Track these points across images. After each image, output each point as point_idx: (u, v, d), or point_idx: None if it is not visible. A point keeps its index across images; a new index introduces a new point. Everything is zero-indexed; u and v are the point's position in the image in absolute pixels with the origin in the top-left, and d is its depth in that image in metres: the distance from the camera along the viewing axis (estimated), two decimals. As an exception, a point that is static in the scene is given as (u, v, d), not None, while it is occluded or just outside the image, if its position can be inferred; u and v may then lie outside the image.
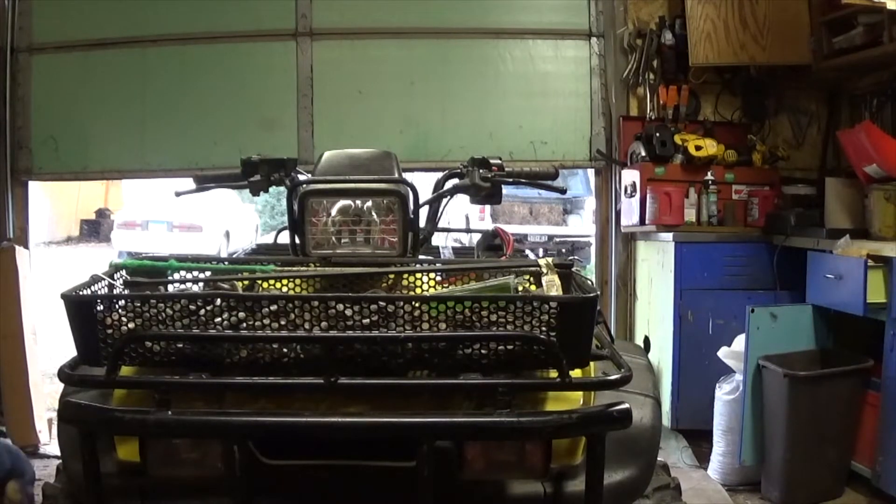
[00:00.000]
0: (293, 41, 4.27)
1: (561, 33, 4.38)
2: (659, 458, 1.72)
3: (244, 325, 1.40)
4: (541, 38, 4.35)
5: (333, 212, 1.72)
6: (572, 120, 4.36)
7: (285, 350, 1.39)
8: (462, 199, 2.23)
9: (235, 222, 12.45)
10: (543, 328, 1.38)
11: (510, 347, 1.38)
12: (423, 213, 2.13)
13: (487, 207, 9.87)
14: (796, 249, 3.67)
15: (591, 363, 1.55)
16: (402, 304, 1.40)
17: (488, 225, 9.19)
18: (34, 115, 4.27)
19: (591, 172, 5.28)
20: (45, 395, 4.15)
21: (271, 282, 1.67)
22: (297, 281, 1.68)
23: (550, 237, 11.16)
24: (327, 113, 4.27)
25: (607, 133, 4.40)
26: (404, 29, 4.28)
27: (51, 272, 8.16)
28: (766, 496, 3.31)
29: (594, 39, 4.39)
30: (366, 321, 1.39)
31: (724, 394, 3.52)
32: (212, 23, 4.29)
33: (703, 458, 3.69)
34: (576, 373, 1.42)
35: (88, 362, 1.43)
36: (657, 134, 4.08)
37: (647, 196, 4.02)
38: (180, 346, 1.39)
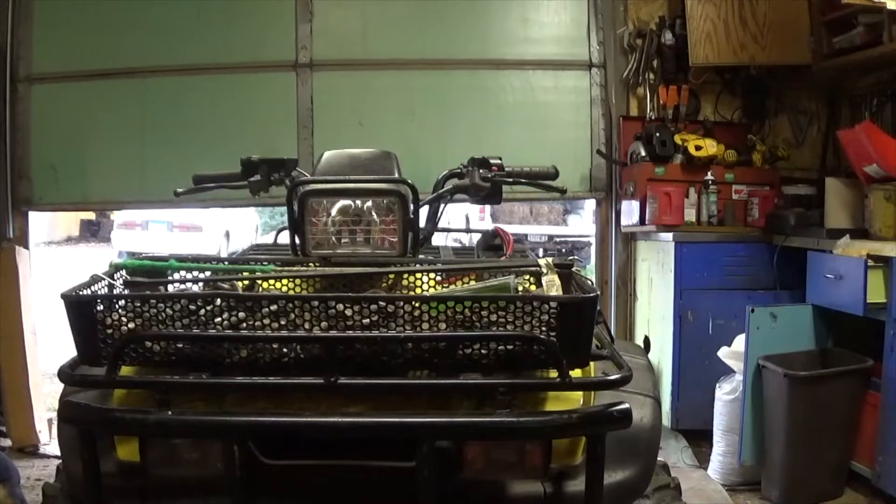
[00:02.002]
0: (293, 72, 4.28)
1: (561, 64, 4.39)
2: (659, 458, 1.72)
3: (244, 325, 1.40)
4: (541, 68, 4.36)
5: (333, 212, 1.72)
6: (572, 150, 4.36)
7: (285, 350, 1.39)
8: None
9: (235, 222, 12.45)
10: (543, 328, 1.38)
11: (510, 347, 1.38)
12: (423, 213, 2.13)
13: (487, 207, 9.89)
14: (796, 249, 3.67)
15: (591, 363, 1.54)
16: (402, 304, 1.40)
17: (488, 225, 9.20)
18: (34, 145, 4.28)
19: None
20: (45, 395, 4.15)
21: (271, 282, 1.67)
22: (297, 281, 1.68)
23: (550, 237, 11.17)
24: (328, 144, 4.23)
25: (607, 133, 4.41)
26: (404, 60, 4.28)
27: (51, 272, 8.16)
28: (766, 496, 3.32)
29: (594, 70, 4.40)
30: (366, 321, 1.39)
31: (724, 394, 3.52)
32: (212, 54, 4.29)
33: (703, 458, 3.69)
34: (576, 373, 1.42)
35: (88, 362, 1.43)
36: (657, 134, 4.08)
37: (647, 196, 4.02)
38: (180, 346, 1.39)
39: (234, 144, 4.09)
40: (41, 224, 12.58)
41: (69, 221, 16.72)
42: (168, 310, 1.40)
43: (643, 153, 4.10)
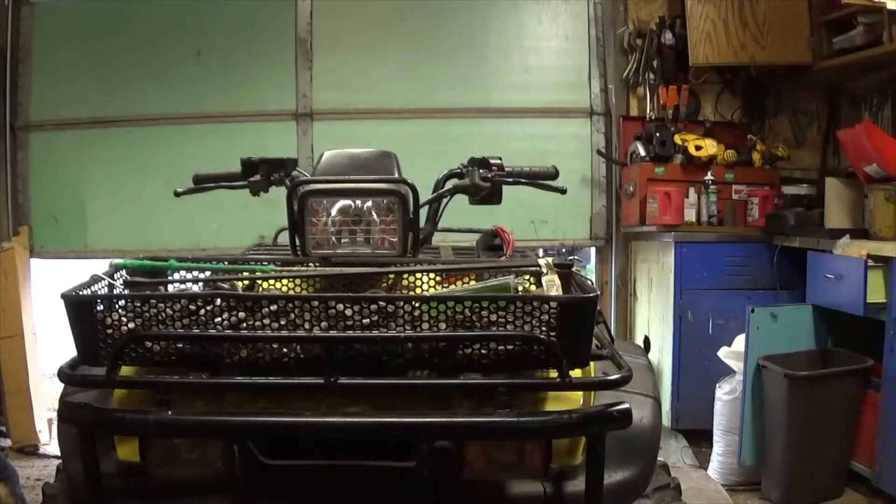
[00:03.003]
0: (294, 121, 4.29)
1: (562, 112, 4.40)
2: (659, 458, 1.71)
3: (244, 325, 1.40)
4: (542, 116, 4.37)
5: (333, 212, 1.72)
6: (573, 198, 4.34)
7: (285, 350, 1.39)
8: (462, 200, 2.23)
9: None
10: (543, 328, 1.38)
11: (510, 347, 1.38)
12: (423, 213, 2.13)
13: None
14: (796, 249, 3.67)
15: (591, 363, 1.54)
16: (402, 304, 1.40)
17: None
18: (34, 193, 4.29)
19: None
20: (45, 395, 4.15)
21: (271, 282, 1.67)
22: (297, 281, 1.68)
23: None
24: None
25: (607, 134, 4.41)
26: (405, 109, 4.29)
27: (51, 272, 8.13)
28: (766, 496, 3.31)
29: (595, 117, 4.42)
30: (366, 321, 1.39)
31: (724, 394, 3.52)
32: (212, 103, 4.30)
33: (703, 459, 3.69)
34: (576, 373, 1.42)
35: (88, 362, 1.43)
36: (657, 134, 4.08)
37: (647, 196, 4.02)
38: (180, 346, 1.39)
39: (236, 192, 4.08)
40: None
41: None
42: (168, 310, 1.40)
43: (643, 153, 4.10)
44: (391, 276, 1.68)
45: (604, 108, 4.41)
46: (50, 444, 3.89)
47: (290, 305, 1.39)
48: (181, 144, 4.28)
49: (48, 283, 4.08)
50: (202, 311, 1.40)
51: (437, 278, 1.70)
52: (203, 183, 2.19)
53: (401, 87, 4.34)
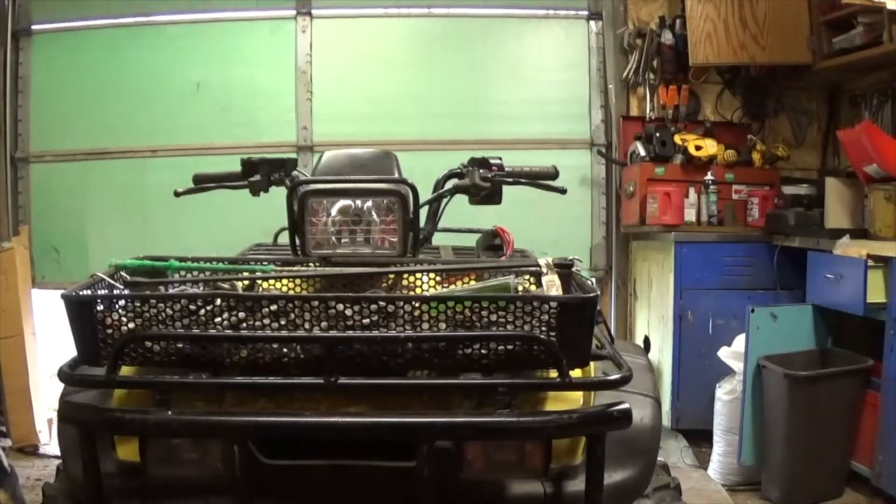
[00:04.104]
0: (294, 153, 4.29)
1: (562, 143, 4.41)
2: (659, 458, 1.71)
3: (244, 325, 1.40)
4: (542, 148, 4.36)
5: (333, 212, 1.72)
6: (572, 229, 4.39)
7: (285, 350, 1.39)
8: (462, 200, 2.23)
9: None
10: (543, 328, 1.38)
11: (510, 347, 1.38)
12: (423, 213, 2.13)
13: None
14: (796, 249, 3.67)
15: (591, 363, 1.54)
16: (402, 304, 1.40)
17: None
18: (35, 224, 4.30)
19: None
20: (45, 395, 4.15)
21: (271, 282, 1.67)
22: (297, 281, 1.68)
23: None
24: None
25: (607, 134, 4.41)
26: (406, 141, 4.27)
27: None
28: (766, 496, 3.31)
29: (595, 148, 4.43)
30: (366, 321, 1.39)
31: (724, 394, 3.52)
32: (213, 135, 4.30)
33: (703, 459, 3.69)
34: (576, 373, 1.42)
35: (88, 362, 1.43)
36: (657, 134, 4.08)
37: (647, 196, 4.02)
38: (180, 346, 1.39)
39: (237, 224, 4.02)
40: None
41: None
42: (168, 310, 1.40)
43: (643, 153, 4.10)
44: (391, 276, 1.69)
45: (605, 140, 4.43)
46: (50, 444, 3.89)
47: (290, 305, 1.39)
48: (181, 176, 4.27)
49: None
50: (202, 312, 1.40)
51: (437, 278, 1.70)
52: (203, 183, 2.19)
53: (401, 118, 4.35)
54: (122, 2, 4.33)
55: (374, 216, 1.72)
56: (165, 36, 4.35)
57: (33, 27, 4.34)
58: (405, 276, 1.69)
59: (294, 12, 4.35)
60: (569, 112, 4.42)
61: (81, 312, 1.39)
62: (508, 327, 1.39)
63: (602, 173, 4.45)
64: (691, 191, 3.99)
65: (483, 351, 1.39)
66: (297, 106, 4.33)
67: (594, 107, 4.44)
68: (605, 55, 4.41)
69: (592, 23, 4.45)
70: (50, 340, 4.15)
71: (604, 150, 4.41)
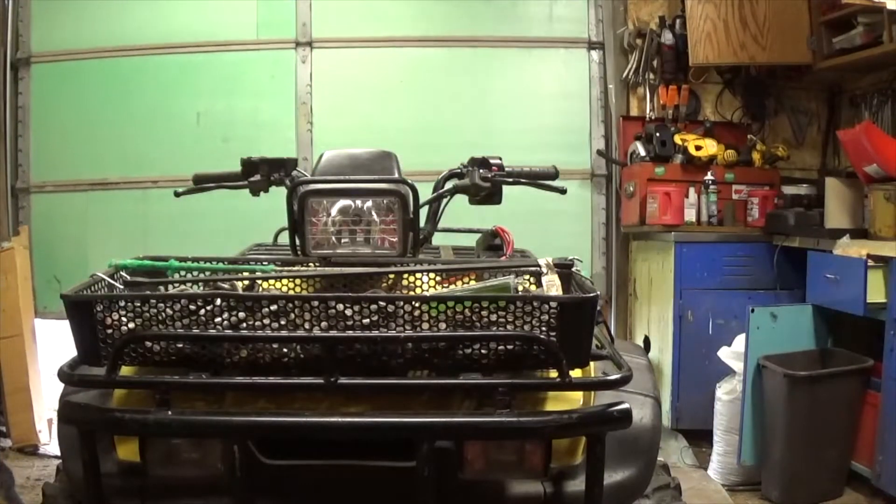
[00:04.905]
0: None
1: (562, 173, 4.36)
2: (659, 458, 1.71)
3: (244, 325, 1.40)
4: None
5: (333, 212, 1.72)
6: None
7: (285, 350, 1.39)
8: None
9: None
10: (543, 328, 1.38)
11: (510, 347, 1.38)
12: (423, 213, 2.13)
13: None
14: (796, 249, 3.67)
15: (591, 363, 1.54)
16: (402, 304, 1.40)
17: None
18: (36, 254, 4.29)
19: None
20: (45, 395, 4.15)
21: (271, 282, 1.67)
22: (297, 281, 1.68)
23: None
24: None
25: (606, 134, 4.41)
26: (407, 172, 4.25)
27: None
28: (766, 496, 3.31)
29: (595, 179, 4.44)
30: (366, 321, 1.39)
31: (724, 394, 3.52)
32: (215, 166, 4.20)
33: (703, 459, 3.69)
34: (576, 373, 1.42)
35: (88, 362, 1.43)
36: (657, 134, 4.08)
37: (647, 196, 4.02)
38: (180, 346, 1.39)
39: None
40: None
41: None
42: (168, 310, 1.40)
43: (643, 153, 4.10)
44: (391, 276, 1.68)
45: (606, 172, 4.43)
46: (50, 444, 3.89)
47: (290, 305, 1.39)
48: (182, 208, 4.27)
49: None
50: (202, 312, 1.40)
51: (437, 278, 1.70)
52: (203, 183, 2.19)
53: (401, 146, 4.24)
54: (123, 31, 4.32)
55: (374, 216, 1.72)
56: (166, 66, 4.34)
57: (32, 57, 4.33)
58: (405, 276, 1.69)
59: (294, 43, 4.35)
60: (569, 142, 4.41)
61: (81, 312, 1.39)
62: (508, 327, 1.39)
63: (602, 203, 4.46)
64: (691, 191, 3.99)
65: (483, 351, 1.39)
66: (298, 136, 4.32)
67: (594, 137, 4.45)
68: (605, 85, 4.41)
69: (593, 52, 4.45)
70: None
71: (601, 179, 4.44)
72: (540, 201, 4.35)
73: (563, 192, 2.25)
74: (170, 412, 1.34)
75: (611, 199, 4.43)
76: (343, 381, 1.36)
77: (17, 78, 4.33)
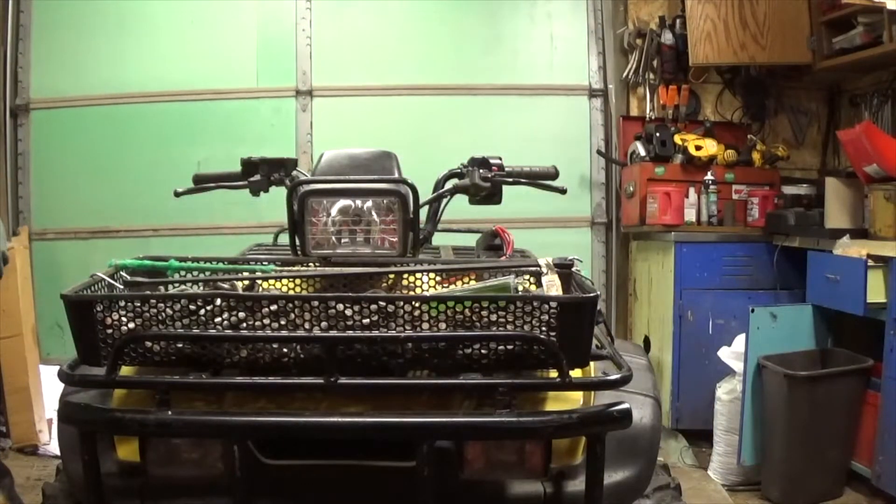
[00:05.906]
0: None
1: (563, 221, 4.41)
2: (659, 458, 1.71)
3: (244, 325, 1.40)
4: (544, 226, 4.34)
5: (333, 212, 1.71)
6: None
7: (285, 350, 1.39)
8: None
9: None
10: (543, 328, 1.38)
11: (510, 347, 1.38)
12: (424, 213, 2.13)
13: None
14: (796, 249, 3.67)
15: (591, 363, 1.54)
16: (402, 304, 1.40)
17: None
18: (39, 301, 4.25)
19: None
20: (46, 395, 4.15)
21: (271, 282, 1.67)
22: (297, 281, 1.68)
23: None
24: None
25: (606, 133, 4.41)
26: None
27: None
28: (766, 496, 3.31)
29: (595, 226, 4.46)
30: (366, 321, 1.39)
31: (724, 394, 3.52)
32: (214, 215, 4.28)
33: (703, 458, 3.69)
34: (576, 373, 1.42)
35: (88, 362, 1.43)
36: (657, 134, 4.08)
37: (647, 196, 4.02)
38: (180, 346, 1.39)
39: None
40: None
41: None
42: (168, 310, 1.40)
43: (643, 153, 4.10)
44: (391, 276, 1.68)
45: (606, 219, 4.45)
46: (50, 444, 3.89)
47: (290, 305, 1.39)
48: (183, 252, 4.29)
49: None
50: (202, 311, 1.40)
51: (437, 278, 1.70)
52: (203, 183, 2.19)
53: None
54: (123, 79, 4.31)
55: (374, 216, 1.72)
56: (167, 113, 4.33)
57: (32, 103, 4.32)
58: (405, 276, 1.69)
59: (294, 91, 4.35)
60: (569, 190, 4.41)
61: (81, 312, 1.39)
62: (508, 327, 1.39)
63: (602, 251, 4.48)
64: (691, 191, 3.99)
65: (483, 351, 1.39)
66: None
67: (595, 184, 4.46)
68: (606, 132, 4.42)
69: (594, 99, 4.46)
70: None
71: (601, 227, 4.47)
72: (540, 247, 4.41)
73: (563, 191, 2.25)
74: (170, 412, 1.34)
75: (611, 199, 4.43)
76: (343, 381, 1.36)
77: (16, 124, 4.32)
